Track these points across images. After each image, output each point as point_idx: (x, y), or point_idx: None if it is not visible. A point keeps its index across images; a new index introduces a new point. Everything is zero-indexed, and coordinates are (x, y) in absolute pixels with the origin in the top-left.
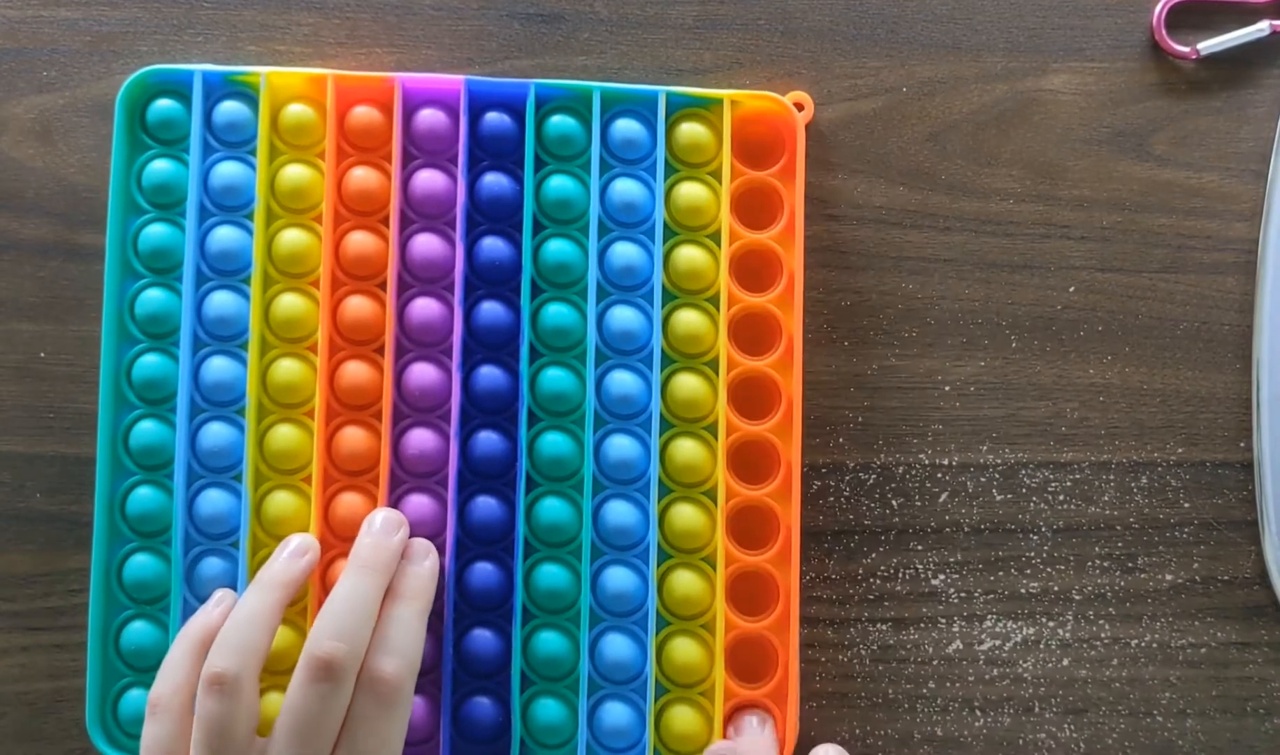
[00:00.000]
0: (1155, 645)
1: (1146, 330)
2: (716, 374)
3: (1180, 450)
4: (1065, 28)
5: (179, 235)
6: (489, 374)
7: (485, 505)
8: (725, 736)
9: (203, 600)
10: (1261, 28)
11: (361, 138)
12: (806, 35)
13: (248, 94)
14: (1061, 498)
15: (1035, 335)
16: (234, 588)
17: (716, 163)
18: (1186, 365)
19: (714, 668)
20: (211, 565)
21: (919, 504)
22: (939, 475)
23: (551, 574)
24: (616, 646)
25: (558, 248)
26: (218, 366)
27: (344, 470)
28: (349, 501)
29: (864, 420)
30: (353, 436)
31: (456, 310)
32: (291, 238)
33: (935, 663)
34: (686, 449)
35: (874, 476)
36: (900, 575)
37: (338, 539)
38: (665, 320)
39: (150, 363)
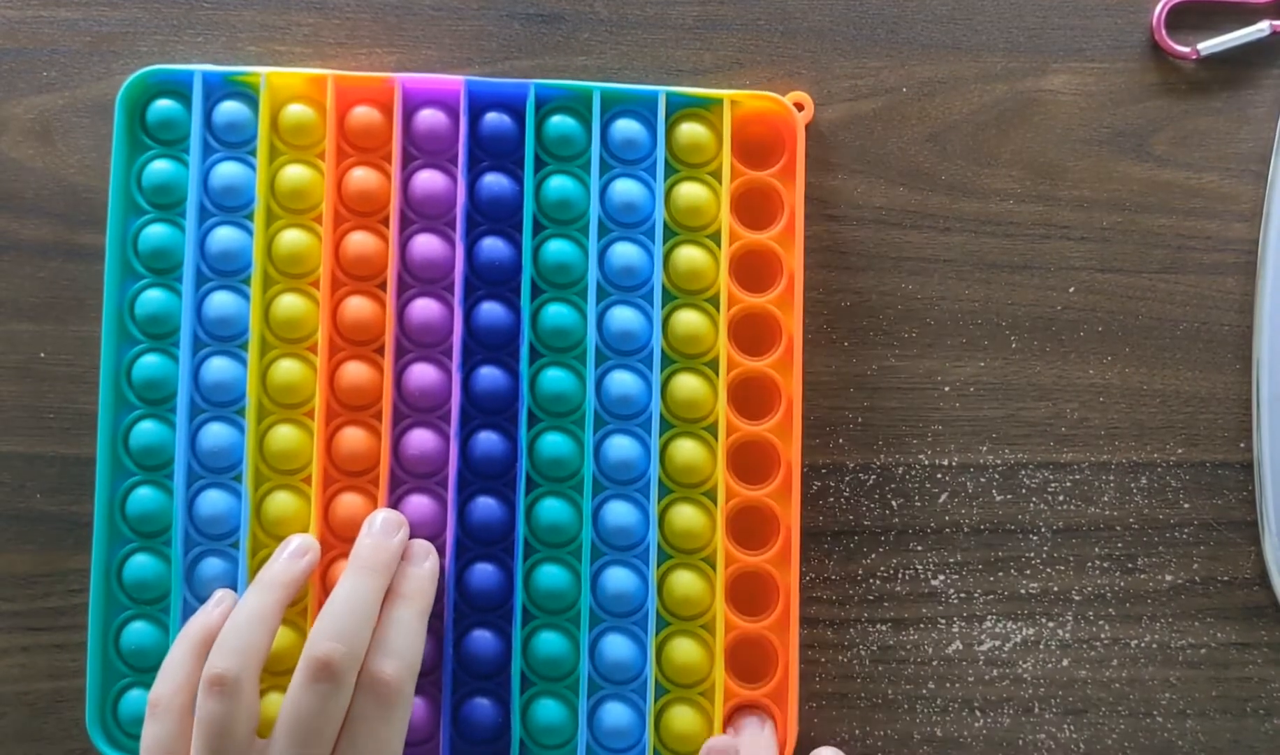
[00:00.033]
0: (1155, 646)
1: (1146, 331)
2: (716, 374)
3: (1180, 451)
4: (1065, 28)
5: (179, 235)
6: (489, 374)
7: (485, 506)
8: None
9: (203, 600)
10: (1261, 28)
11: (361, 138)
12: (806, 35)
13: (248, 94)
14: (1061, 498)
15: (1035, 336)
16: (234, 588)
17: (716, 163)
18: (1186, 366)
19: (714, 668)
20: (211, 565)
21: (919, 504)
22: (939, 476)
23: (551, 574)
24: (616, 647)
25: (558, 248)
26: (218, 367)
27: (344, 471)
28: (349, 502)
29: (864, 421)
30: (353, 437)
31: (456, 310)
32: (291, 238)
33: (935, 663)
34: (686, 449)
35: (874, 477)
36: (900, 576)
37: (338, 539)
38: (665, 320)
39: (150, 363)
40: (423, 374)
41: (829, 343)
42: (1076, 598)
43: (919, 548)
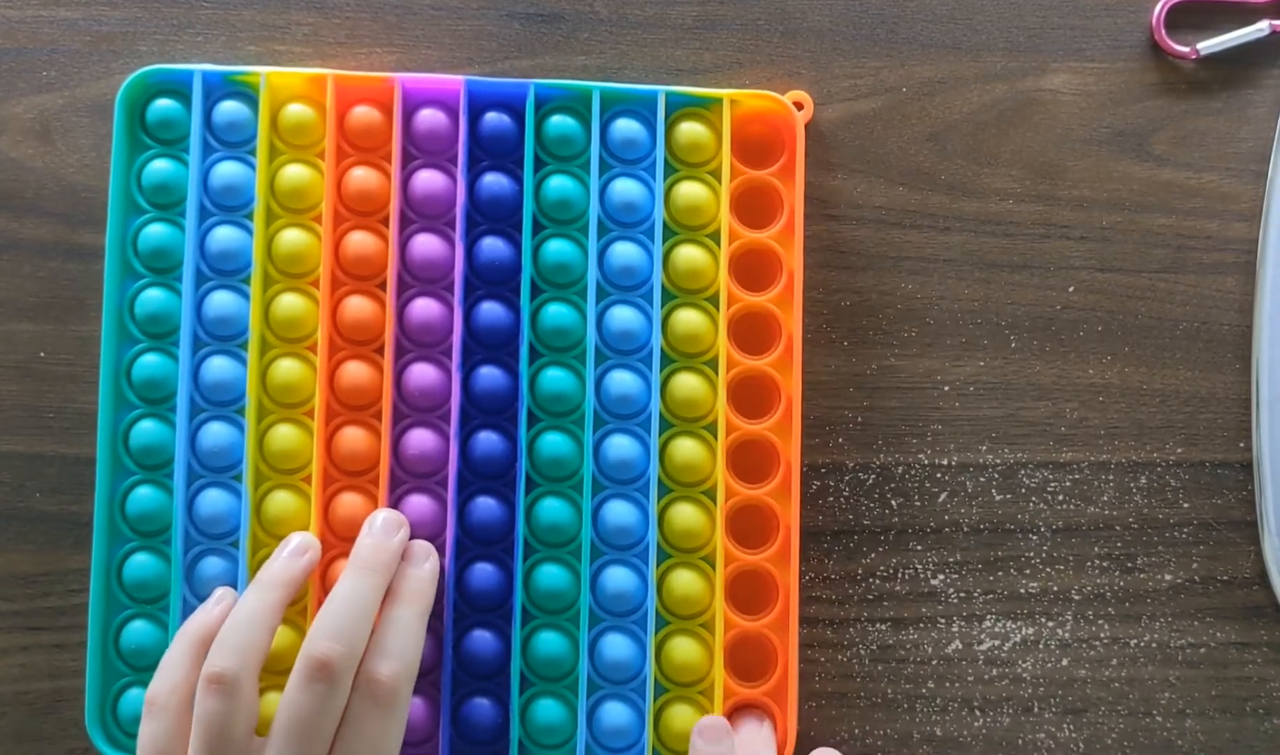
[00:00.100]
0: (1155, 645)
1: (1146, 330)
2: (716, 373)
3: (1180, 450)
4: (1065, 28)
5: (179, 235)
6: (489, 374)
7: (485, 506)
8: None
9: (202, 600)
10: (1261, 28)
11: (361, 138)
12: (806, 35)
13: (248, 94)
14: (1061, 498)
15: (1035, 335)
16: (234, 588)
17: (716, 162)
18: (1186, 365)
19: (713, 667)
20: (211, 565)
21: (918, 504)
22: (938, 475)
23: (551, 574)
24: (616, 646)
25: (557, 248)
26: (218, 366)
27: (344, 470)
28: (349, 502)
29: (863, 420)
30: (353, 436)
31: (456, 310)
32: (291, 238)
33: (934, 663)
34: (686, 448)
35: (873, 476)
36: (899, 575)
37: (338, 539)
38: (665, 320)
39: (150, 362)
40: (422, 374)
41: (829, 342)
42: (1076, 597)
43: (919, 547)
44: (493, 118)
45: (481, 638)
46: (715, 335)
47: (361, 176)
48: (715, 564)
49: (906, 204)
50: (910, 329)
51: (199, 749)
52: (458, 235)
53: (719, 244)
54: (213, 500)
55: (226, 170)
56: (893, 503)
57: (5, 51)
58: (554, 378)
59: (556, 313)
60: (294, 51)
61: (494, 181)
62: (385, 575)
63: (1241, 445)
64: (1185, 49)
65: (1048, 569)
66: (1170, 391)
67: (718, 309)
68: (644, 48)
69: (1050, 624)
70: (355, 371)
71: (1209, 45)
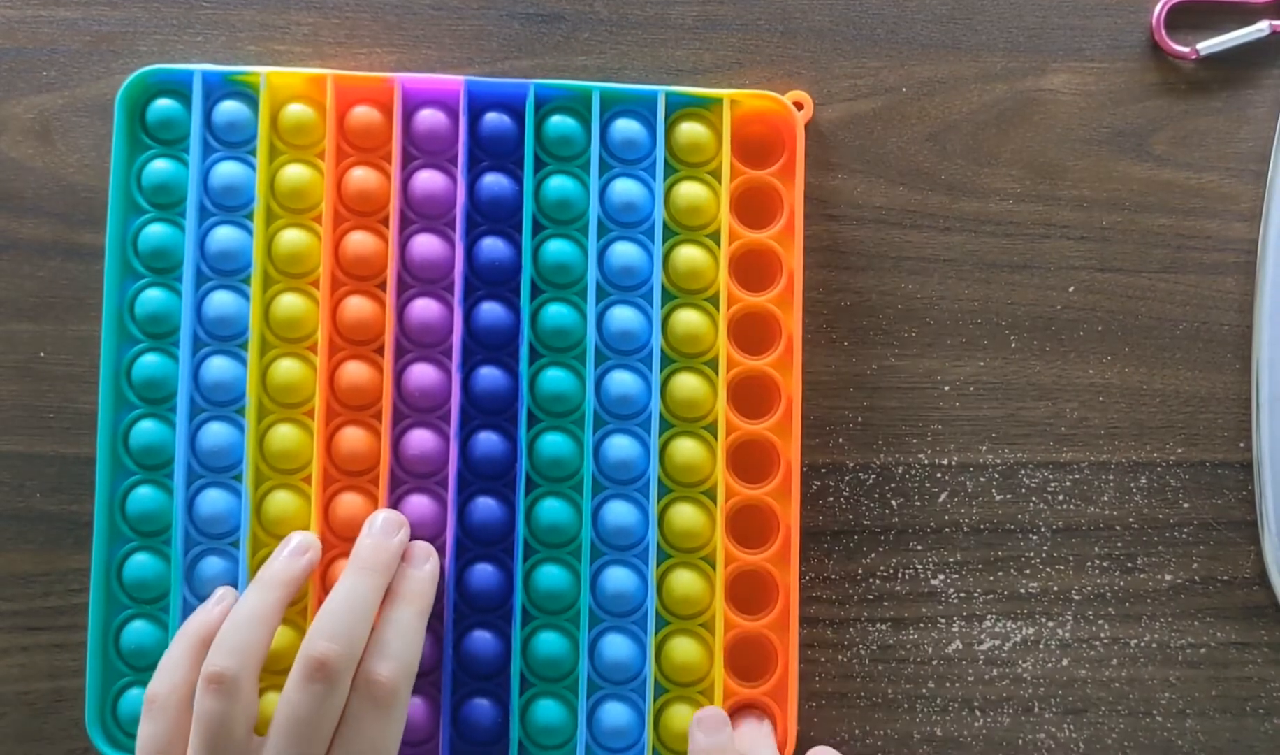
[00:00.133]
0: (1155, 645)
1: (1146, 330)
2: (716, 374)
3: (1180, 450)
4: (1065, 28)
5: (179, 235)
6: (489, 374)
7: (485, 506)
8: None
9: (203, 600)
10: (1261, 28)
11: (361, 138)
12: (806, 35)
13: (247, 94)
14: (1061, 498)
15: (1035, 335)
16: (234, 587)
17: (716, 162)
18: (1186, 365)
19: (713, 667)
20: (211, 565)
21: (918, 504)
22: (938, 475)
23: (551, 574)
24: (616, 647)
25: (557, 248)
26: (218, 366)
27: (344, 470)
28: (349, 502)
29: (863, 420)
30: (353, 437)
31: (456, 311)
32: (291, 238)
33: (935, 663)
34: (686, 449)
35: (873, 476)
36: (900, 575)
37: (338, 539)
38: (665, 320)
39: (150, 363)
40: (422, 374)
41: (829, 342)
42: (1076, 597)
43: (919, 547)
44: (493, 118)
45: (481, 638)
46: (715, 335)
47: (361, 176)
48: (715, 564)
49: (906, 204)
50: (910, 329)
51: (198, 748)
52: (458, 235)
53: (719, 244)
54: (213, 500)
55: (226, 170)
56: (893, 503)
57: (5, 51)
58: (554, 378)
59: (556, 313)
60: (294, 51)
61: (494, 181)
62: (385, 575)
63: (1241, 445)
64: (1185, 49)
65: (1048, 569)
66: (1170, 391)
67: (718, 309)
68: (644, 48)
69: (1050, 624)
70: (355, 372)
71: (1209, 45)
